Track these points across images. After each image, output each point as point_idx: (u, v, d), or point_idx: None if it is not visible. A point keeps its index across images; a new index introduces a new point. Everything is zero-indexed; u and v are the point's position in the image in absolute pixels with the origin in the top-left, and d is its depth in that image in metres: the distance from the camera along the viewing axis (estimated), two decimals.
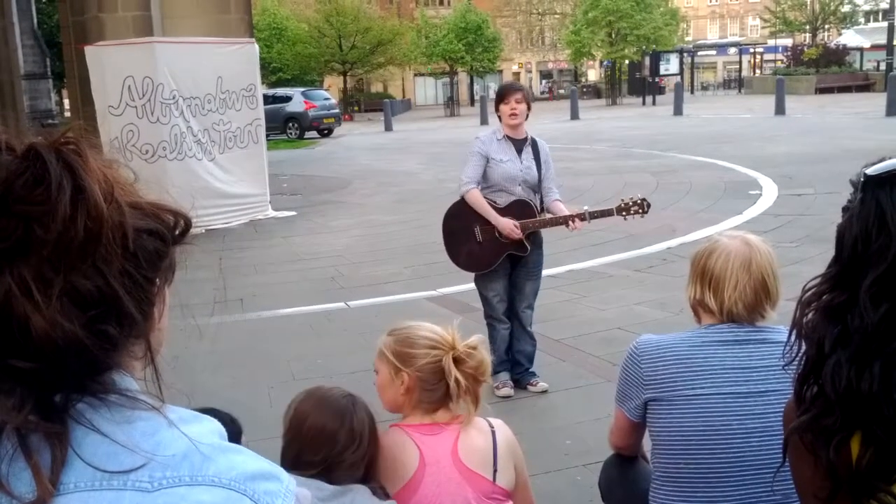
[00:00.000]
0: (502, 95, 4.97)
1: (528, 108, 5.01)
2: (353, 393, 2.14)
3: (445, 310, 6.58)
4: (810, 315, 1.22)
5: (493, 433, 2.15)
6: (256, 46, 12.94)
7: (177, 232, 0.90)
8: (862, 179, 1.16)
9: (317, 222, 12.09)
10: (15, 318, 0.76)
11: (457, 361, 2.09)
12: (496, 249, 4.91)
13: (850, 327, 1.15)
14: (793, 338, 1.26)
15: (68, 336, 0.77)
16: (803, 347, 1.25)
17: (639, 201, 4.94)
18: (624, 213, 4.93)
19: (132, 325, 0.84)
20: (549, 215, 4.98)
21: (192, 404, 0.93)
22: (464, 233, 4.95)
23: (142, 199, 0.88)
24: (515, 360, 5.14)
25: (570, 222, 4.85)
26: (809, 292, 1.23)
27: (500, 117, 5.01)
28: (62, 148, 0.81)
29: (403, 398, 2.11)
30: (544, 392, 5.03)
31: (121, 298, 0.81)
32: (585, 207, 4.95)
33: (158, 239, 0.87)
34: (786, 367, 1.27)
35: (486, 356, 2.15)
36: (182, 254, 0.92)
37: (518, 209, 4.89)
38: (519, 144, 4.97)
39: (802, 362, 1.25)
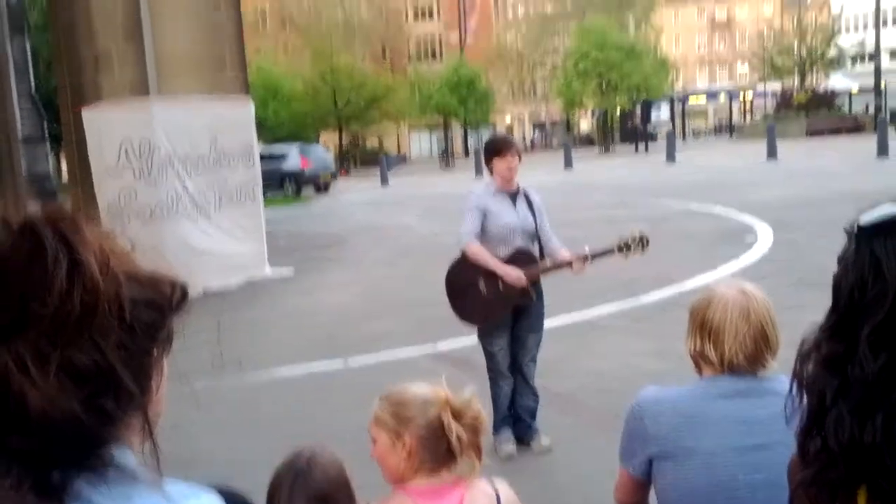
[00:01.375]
0: (498, 150, 4.96)
1: (520, 161, 5.04)
2: (323, 454, 2.12)
3: (444, 366, 6.53)
4: (810, 367, 1.21)
5: (498, 496, 2.12)
6: (252, 104, 13.08)
7: (174, 302, 0.90)
8: (856, 229, 1.16)
9: (314, 279, 12.08)
10: (12, 395, 0.76)
11: (455, 415, 2.07)
12: (502, 301, 4.88)
13: (851, 378, 1.14)
14: (794, 390, 1.25)
15: (66, 412, 0.77)
16: (805, 399, 1.24)
17: (637, 237, 4.88)
18: (625, 251, 4.88)
19: (130, 399, 0.83)
20: (549, 262, 4.97)
21: (191, 473, 0.92)
22: (468, 287, 4.92)
23: (139, 269, 0.87)
24: (517, 416, 5.09)
25: (575, 264, 4.85)
26: (808, 344, 1.22)
27: (491, 170, 5.01)
28: (58, 221, 0.82)
29: (406, 464, 2.07)
30: (547, 450, 4.97)
31: (118, 372, 0.81)
32: (587, 248, 4.92)
33: (155, 310, 0.87)
34: (788, 421, 1.26)
35: (481, 407, 2.14)
36: (179, 323, 0.92)
37: (520, 259, 4.90)
38: (513, 196, 5.00)
39: (805, 415, 1.23)
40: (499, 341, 4.98)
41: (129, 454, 0.84)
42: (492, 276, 4.85)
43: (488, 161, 5.01)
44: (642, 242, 4.89)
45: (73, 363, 0.78)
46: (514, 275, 4.80)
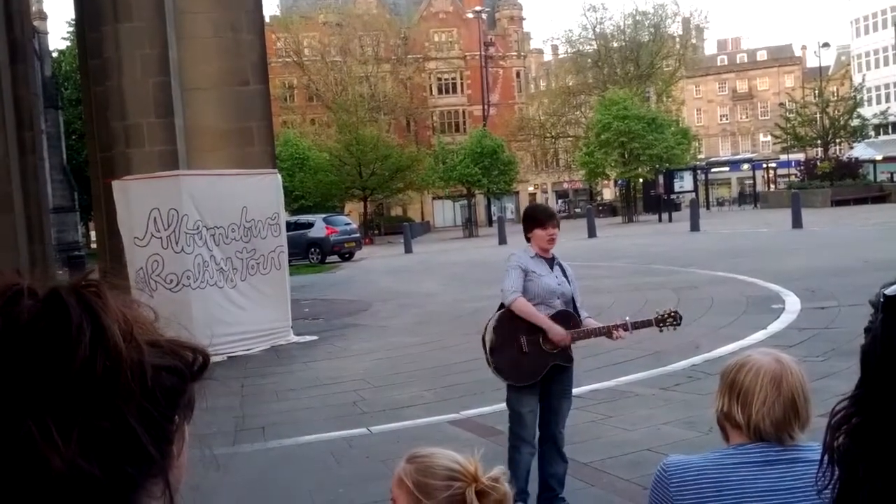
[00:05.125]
0: (541, 221, 5.08)
1: (558, 230, 5.18)
2: None
3: (469, 434, 6.46)
4: (841, 438, 1.19)
5: None
6: (279, 177, 13.29)
7: (195, 368, 0.90)
8: (882, 300, 1.15)
9: (338, 346, 12.07)
10: (34, 462, 0.76)
11: (479, 495, 2.02)
12: (542, 359, 4.91)
13: (882, 451, 1.12)
14: (825, 461, 1.23)
15: (87, 478, 0.77)
16: (836, 471, 1.21)
17: (672, 313, 5.05)
18: (661, 325, 5.03)
19: (151, 464, 0.83)
20: (591, 327, 5.03)
21: None
22: (508, 343, 4.94)
23: (161, 336, 0.89)
24: (546, 485, 5.03)
25: (615, 332, 4.92)
26: (839, 415, 1.20)
27: (529, 238, 5.11)
28: (82, 290, 0.83)
29: None
30: None
31: (139, 438, 0.81)
32: (627, 318, 5.02)
33: (177, 376, 0.88)
34: (820, 493, 1.23)
35: (509, 490, 2.09)
36: (201, 389, 0.93)
37: (563, 319, 4.95)
38: (550, 262, 5.11)
39: (837, 487, 1.20)
40: (529, 402, 4.96)
41: None
42: (533, 333, 4.88)
43: (528, 229, 5.12)
44: (675, 319, 5.04)
45: (94, 428, 0.79)
46: (561, 333, 4.84)
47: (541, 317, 4.87)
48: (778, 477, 2.12)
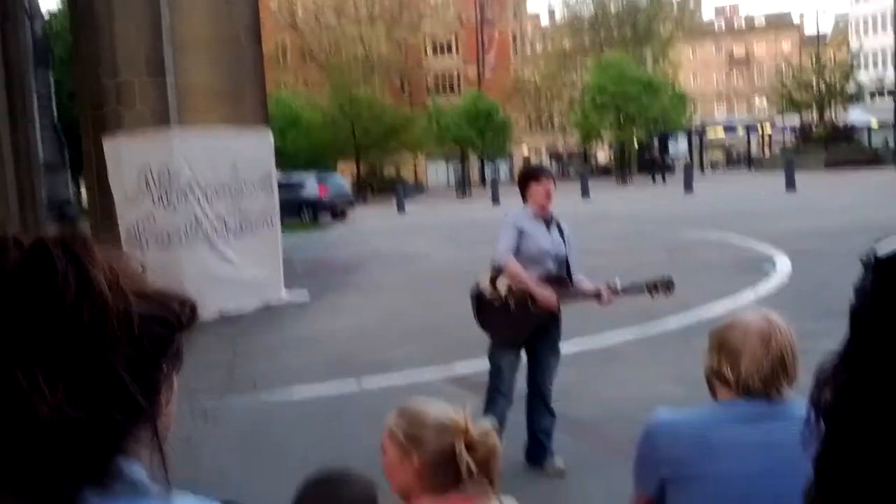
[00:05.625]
0: (536, 177, 5.10)
1: (554, 187, 5.17)
2: (352, 475, 2.09)
3: (460, 389, 6.51)
4: (827, 394, 1.20)
5: None
6: (271, 135, 13.21)
7: (183, 319, 0.90)
8: (873, 259, 1.15)
9: (330, 304, 12.10)
10: (22, 409, 0.77)
11: (469, 446, 2.04)
12: (529, 319, 4.95)
13: (867, 408, 1.13)
14: (811, 417, 1.24)
15: (75, 424, 0.77)
16: (822, 427, 1.22)
17: (666, 282, 5.01)
18: (652, 292, 5.00)
19: (138, 412, 0.84)
20: (579, 289, 5.05)
21: (202, 488, 0.92)
22: (496, 301, 4.99)
23: (148, 287, 0.89)
24: (534, 438, 5.10)
25: (603, 295, 4.92)
26: (825, 372, 1.21)
27: (526, 197, 5.10)
28: (68, 242, 0.83)
29: (413, 480, 2.05)
30: (561, 472, 4.94)
31: (126, 385, 0.82)
32: (617, 281, 5.01)
33: (164, 326, 0.88)
34: (805, 448, 1.25)
35: (498, 441, 2.11)
36: (189, 340, 0.93)
37: (552, 282, 4.96)
38: (546, 222, 5.10)
39: (821, 443, 1.22)
40: (510, 358, 5.03)
41: (137, 468, 0.85)
42: (522, 293, 4.91)
43: (524, 187, 5.12)
44: (668, 287, 5.01)
45: (82, 376, 0.79)
46: (548, 296, 4.85)
47: (529, 280, 4.89)
48: (764, 432, 2.14)
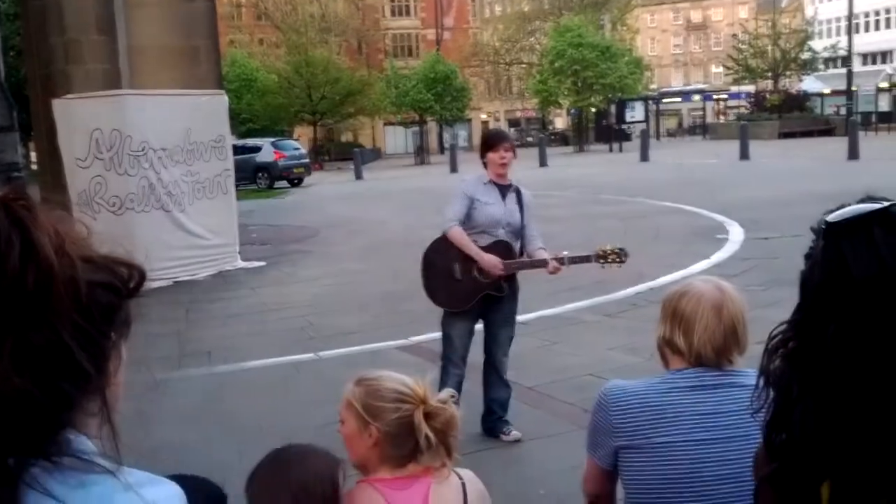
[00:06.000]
0: (492, 143, 5.06)
1: (514, 156, 5.11)
2: (316, 451, 2.07)
3: (417, 358, 6.53)
4: (777, 362, 1.22)
5: (464, 486, 2.11)
6: (226, 97, 12.97)
7: (131, 285, 0.88)
8: (823, 227, 1.17)
9: (286, 272, 12.02)
10: None
11: (427, 416, 2.04)
12: (474, 288, 4.95)
13: (817, 374, 1.15)
14: (761, 384, 1.26)
15: (20, 392, 0.76)
16: (771, 394, 1.25)
17: (617, 251, 4.97)
18: (601, 261, 4.96)
19: (86, 381, 0.82)
20: (526, 258, 5.03)
21: (157, 462, 0.90)
22: (443, 269, 4.99)
23: (94, 252, 0.86)
24: (489, 409, 5.12)
25: (551, 264, 4.90)
26: (776, 339, 1.22)
27: (485, 164, 5.07)
28: (11, 203, 0.80)
29: (371, 451, 2.06)
30: (517, 441, 4.99)
31: (73, 353, 0.80)
32: (565, 252, 5.00)
33: (112, 292, 0.86)
34: (754, 414, 1.27)
35: (456, 411, 2.11)
36: (138, 307, 0.91)
37: (499, 250, 4.94)
38: (503, 190, 5.06)
39: (771, 409, 1.24)
40: (460, 327, 5.03)
41: (86, 441, 0.83)
42: (468, 261, 4.91)
43: (483, 154, 5.09)
44: (620, 256, 4.96)
45: (27, 344, 0.77)
46: (492, 262, 4.86)
47: (473, 247, 4.89)
48: (715, 401, 2.18)
